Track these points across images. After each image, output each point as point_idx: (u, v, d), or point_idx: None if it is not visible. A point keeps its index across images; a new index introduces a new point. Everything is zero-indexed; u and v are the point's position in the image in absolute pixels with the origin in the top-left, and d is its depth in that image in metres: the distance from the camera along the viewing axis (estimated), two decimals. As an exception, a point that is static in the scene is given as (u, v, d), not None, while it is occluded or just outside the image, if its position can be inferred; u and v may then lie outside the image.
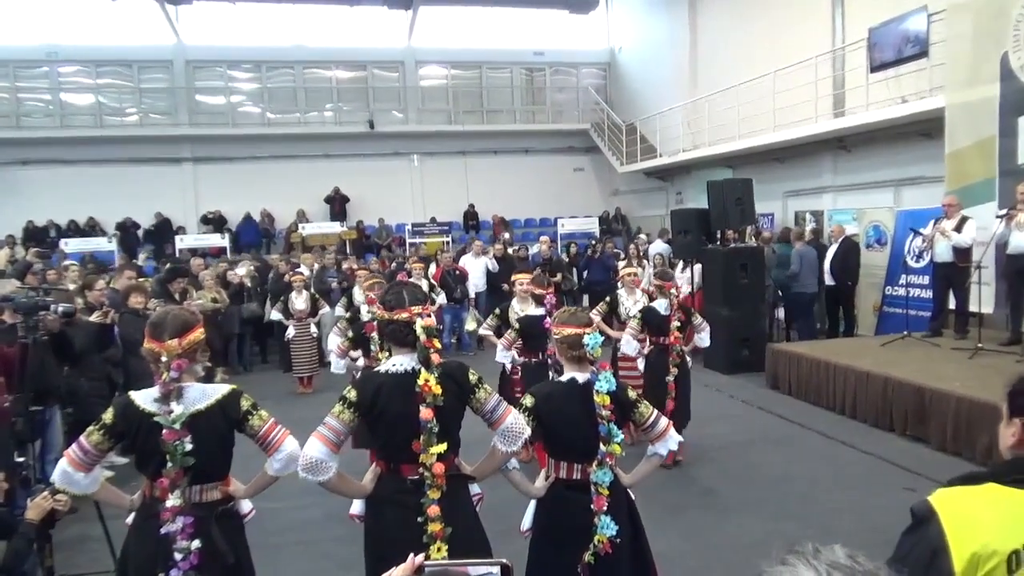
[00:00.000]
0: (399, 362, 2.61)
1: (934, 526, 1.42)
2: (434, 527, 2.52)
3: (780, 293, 10.77)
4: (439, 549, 2.50)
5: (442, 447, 2.54)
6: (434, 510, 2.52)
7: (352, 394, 2.56)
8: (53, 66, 18.45)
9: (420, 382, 2.51)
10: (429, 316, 2.61)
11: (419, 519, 2.53)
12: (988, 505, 1.44)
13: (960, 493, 1.49)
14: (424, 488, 2.54)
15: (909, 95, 10.03)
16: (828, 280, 10.15)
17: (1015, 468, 1.51)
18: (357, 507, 2.76)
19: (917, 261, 9.25)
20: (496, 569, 1.21)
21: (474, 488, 2.83)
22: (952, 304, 8.27)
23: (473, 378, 2.67)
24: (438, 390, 2.52)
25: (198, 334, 2.68)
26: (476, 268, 12.15)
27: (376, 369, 2.70)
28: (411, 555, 1.21)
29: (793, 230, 11.29)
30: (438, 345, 2.58)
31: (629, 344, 5.84)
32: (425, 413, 2.50)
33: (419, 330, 2.55)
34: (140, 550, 2.60)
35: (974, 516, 1.42)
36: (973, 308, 7.93)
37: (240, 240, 17.84)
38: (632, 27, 20.88)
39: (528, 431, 2.70)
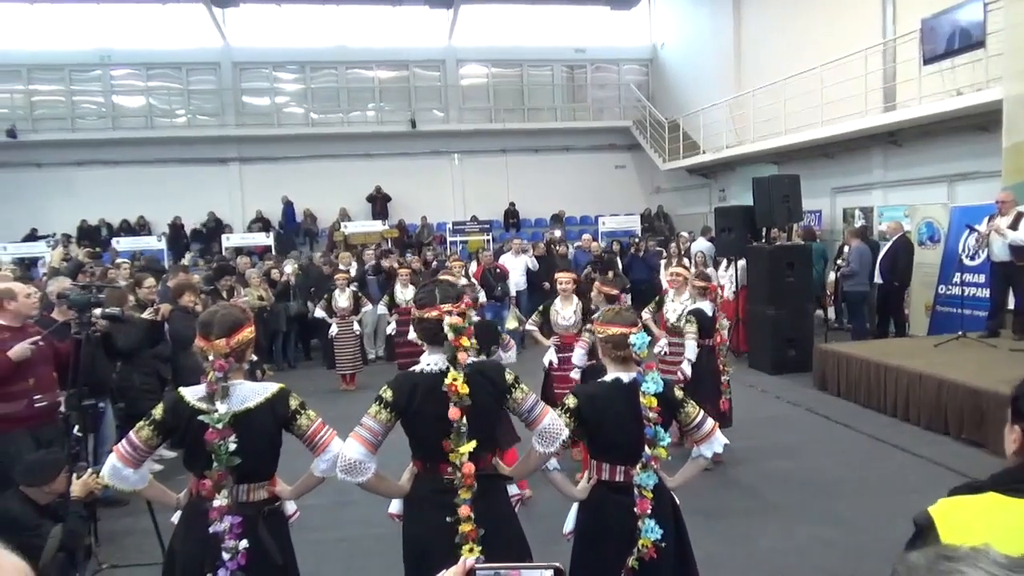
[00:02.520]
0: (433, 361, 2.59)
1: (932, 537, 1.42)
2: (465, 528, 2.49)
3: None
4: (471, 550, 2.47)
5: (471, 446, 2.50)
6: (464, 510, 2.49)
7: (388, 394, 2.54)
8: (106, 70, 19.02)
9: (447, 381, 2.48)
10: (458, 315, 2.56)
11: (451, 519, 2.50)
12: (986, 515, 1.44)
13: (959, 503, 1.50)
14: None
15: (964, 87, 9.71)
16: (877, 279, 9.83)
17: (1015, 477, 1.50)
18: (395, 506, 2.75)
19: (973, 259, 8.92)
20: (549, 572, 1.18)
21: (513, 488, 2.79)
22: (1011, 304, 7.96)
23: (509, 378, 2.63)
24: (465, 390, 2.48)
25: (247, 333, 2.67)
26: (516, 267, 12.13)
27: (412, 369, 2.69)
28: (463, 558, 1.20)
29: (852, 227, 11.04)
30: (466, 344, 2.54)
31: (693, 350, 5.90)
32: (453, 412, 2.47)
33: (447, 329, 2.52)
34: (187, 548, 2.60)
35: (970, 526, 1.41)
36: (1033, 308, 7.64)
37: (286, 226, 18.23)
38: (674, 22, 20.62)
39: (566, 432, 2.65)
